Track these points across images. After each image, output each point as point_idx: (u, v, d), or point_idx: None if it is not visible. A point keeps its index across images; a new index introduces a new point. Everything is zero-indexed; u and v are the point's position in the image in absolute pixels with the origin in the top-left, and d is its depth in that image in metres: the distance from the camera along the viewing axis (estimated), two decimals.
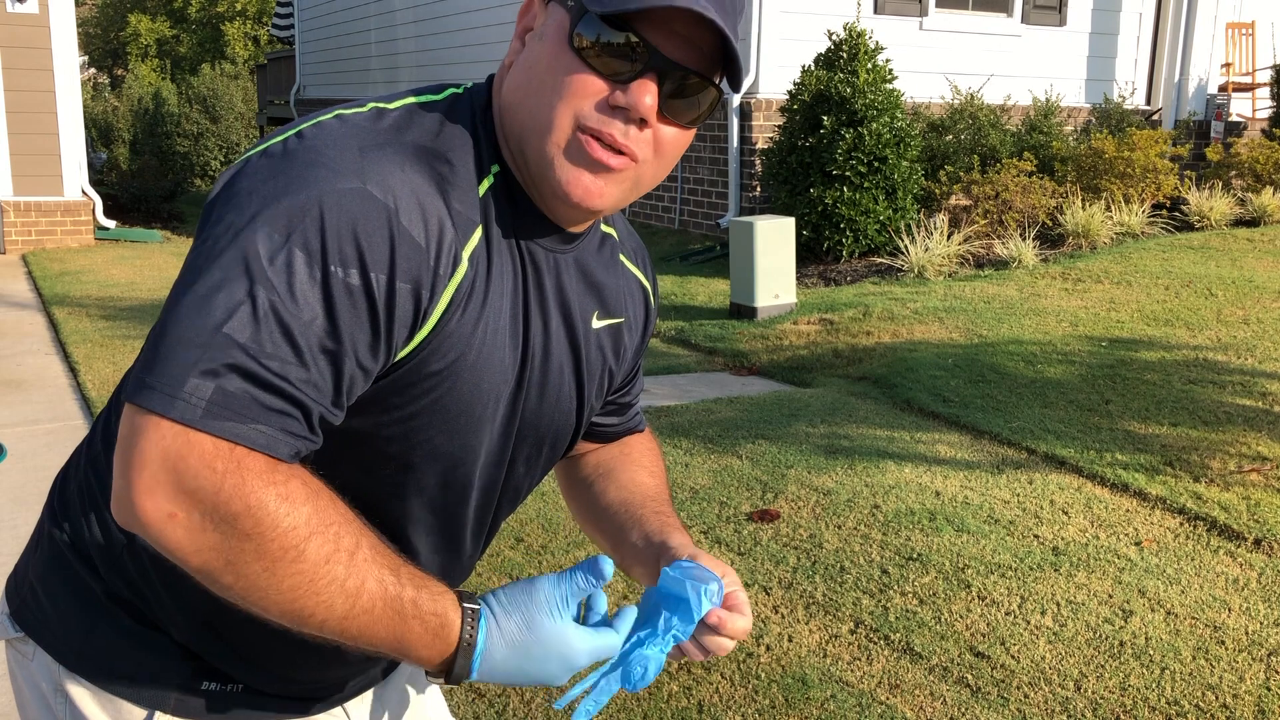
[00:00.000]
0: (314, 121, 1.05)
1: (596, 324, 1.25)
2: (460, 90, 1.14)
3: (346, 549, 0.98)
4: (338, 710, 1.29)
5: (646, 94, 1.04)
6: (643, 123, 1.06)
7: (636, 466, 1.43)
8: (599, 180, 1.07)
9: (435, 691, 1.45)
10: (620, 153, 1.06)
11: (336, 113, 1.07)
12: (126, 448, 0.94)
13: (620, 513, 1.36)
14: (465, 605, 1.05)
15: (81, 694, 1.17)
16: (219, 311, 0.93)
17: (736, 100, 9.45)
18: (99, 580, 1.16)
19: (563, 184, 1.06)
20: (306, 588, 0.96)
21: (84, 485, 1.20)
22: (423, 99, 1.11)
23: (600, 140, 1.05)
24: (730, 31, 1.03)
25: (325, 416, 0.99)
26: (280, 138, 1.04)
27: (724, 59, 1.07)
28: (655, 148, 1.08)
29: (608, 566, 1.08)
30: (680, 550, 1.25)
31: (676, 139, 1.09)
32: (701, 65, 1.06)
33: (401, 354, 1.04)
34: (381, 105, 1.08)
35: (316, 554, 0.96)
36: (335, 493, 1.01)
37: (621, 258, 1.30)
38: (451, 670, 1.04)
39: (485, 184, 1.09)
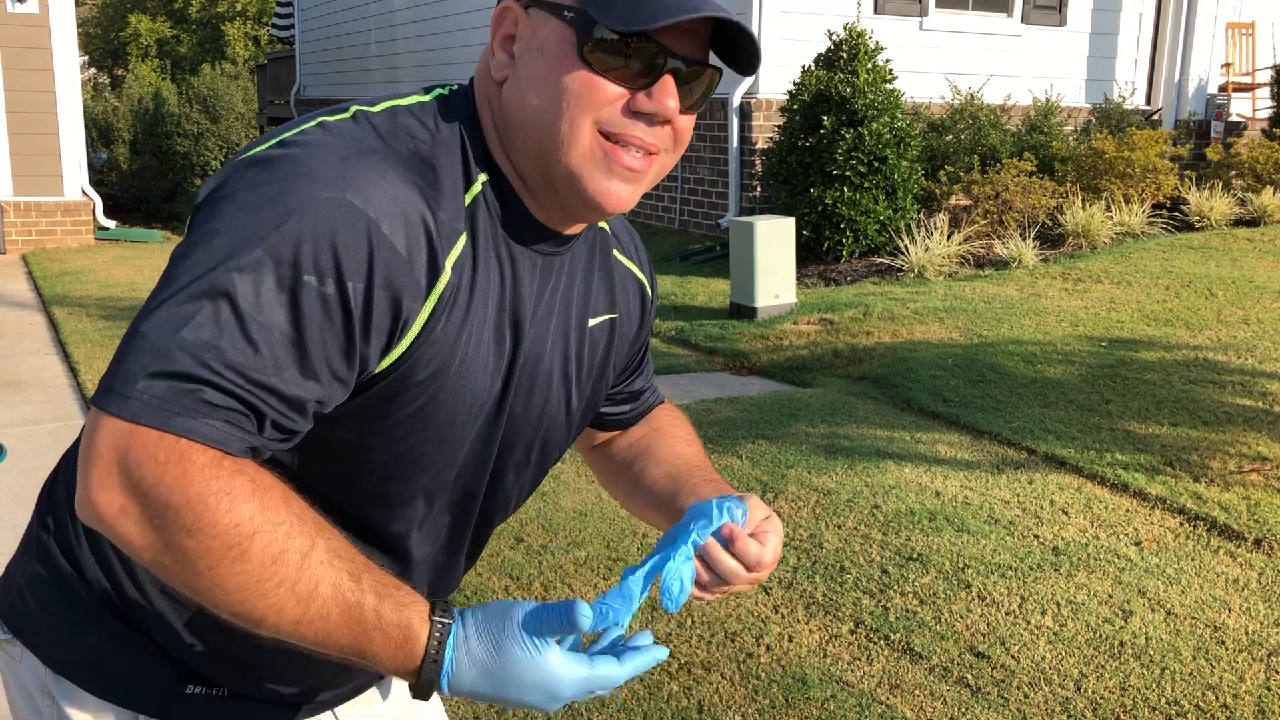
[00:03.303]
0: (297, 130, 1.04)
1: (591, 322, 1.24)
2: (446, 92, 1.13)
3: (298, 549, 0.95)
4: (327, 714, 1.29)
5: (669, 96, 1.05)
6: (665, 121, 1.07)
7: (671, 438, 1.42)
8: (630, 187, 1.08)
9: (435, 697, 1.44)
10: (648, 153, 1.08)
11: (319, 120, 1.06)
12: (85, 446, 0.95)
13: (670, 487, 1.32)
14: (436, 619, 0.99)
15: (69, 698, 1.17)
16: (183, 316, 0.94)
17: (737, 100, 9.45)
18: (85, 583, 1.16)
19: (596, 196, 1.07)
20: (253, 589, 0.94)
21: (71, 489, 1.19)
22: (407, 101, 1.10)
23: (626, 144, 1.06)
24: (739, 22, 1.05)
25: (281, 423, 0.97)
26: (264, 146, 1.03)
27: (730, 45, 1.09)
28: (675, 138, 1.10)
29: (584, 619, 1.00)
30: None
31: (689, 124, 1.11)
32: (704, 54, 1.08)
33: (385, 364, 1.03)
34: (364, 109, 1.08)
35: (262, 554, 0.93)
36: (294, 492, 0.98)
37: (615, 253, 1.30)
38: (418, 682, 1.00)
39: (473, 191, 1.08)
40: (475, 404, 1.11)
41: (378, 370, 1.03)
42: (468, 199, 1.08)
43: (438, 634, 0.99)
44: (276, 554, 0.94)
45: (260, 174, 0.99)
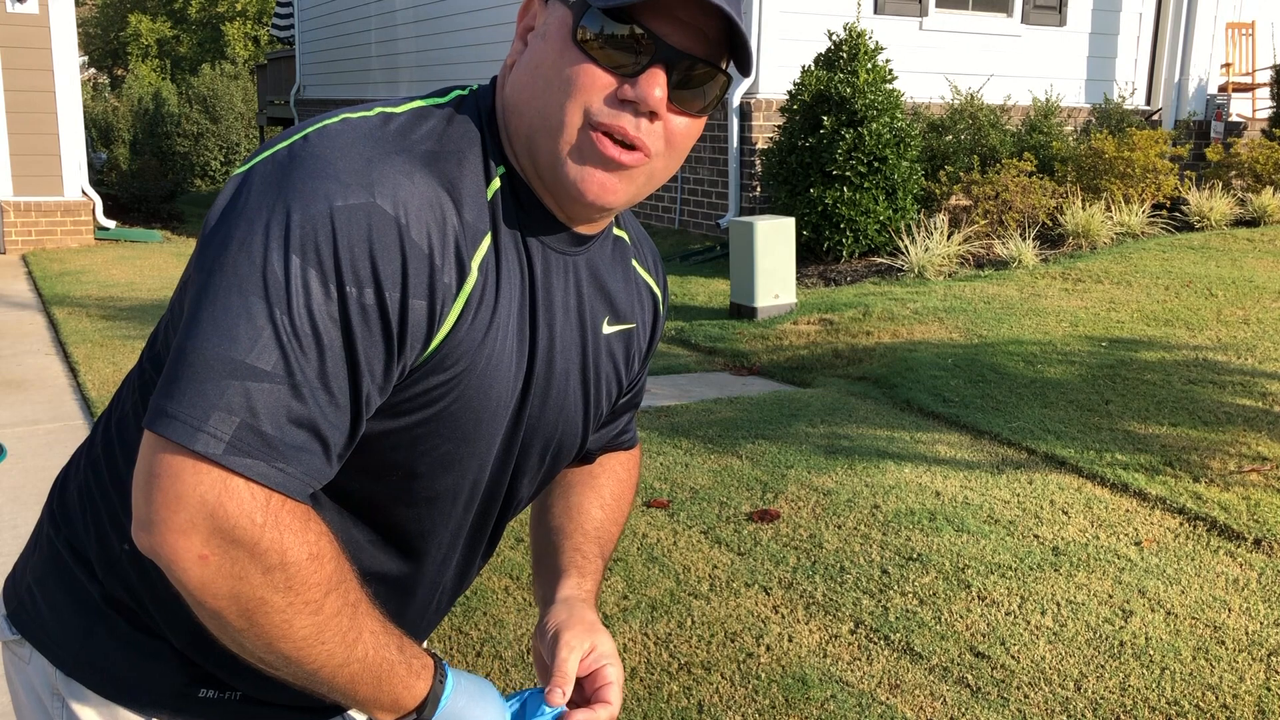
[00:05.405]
0: (319, 126, 1.03)
1: (607, 329, 1.23)
2: (465, 92, 1.13)
3: (351, 603, 1.01)
4: (336, 719, 1.29)
5: (656, 86, 1.03)
6: (653, 115, 1.05)
7: (593, 493, 1.41)
8: (612, 177, 1.06)
9: None
10: (632, 148, 1.05)
11: (342, 116, 1.05)
12: (153, 480, 0.94)
13: (549, 536, 1.38)
14: (431, 654, 1.10)
15: (78, 699, 1.16)
16: (242, 339, 0.93)
17: (736, 100, 9.45)
18: (97, 584, 1.15)
19: (576, 183, 1.06)
20: (315, 637, 0.98)
21: (84, 489, 1.19)
22: (429, 102, 1.10)
23: (611, 136, 1.04)
24: (735, 14, 1.03)
25: (342, 448, 1.00)
26: (285, 143, 1.02)
27: (731, 44, 1.07)
28: (667, 139, 1.07)
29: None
30: (559, 606, 1.28)
31: (688, 129, 1.08)
32: (708, 52, 1.05)
33: (414, 365, 1.03)
34: (388, 110, 1.07)
35: (331, 607, 0.99)
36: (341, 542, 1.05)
37: (634, 262, 1.29)
38: (422, 709, 1.08)
39: (492, 187, 1.08)
40: (500, 403, 1.11)
41: (408, 372, 1.04)
42: (490, 194, 1.08)
43: (439, 665, 1.09)
44: (340, 607, 1.00)
45: (286, 174, 0.98)
